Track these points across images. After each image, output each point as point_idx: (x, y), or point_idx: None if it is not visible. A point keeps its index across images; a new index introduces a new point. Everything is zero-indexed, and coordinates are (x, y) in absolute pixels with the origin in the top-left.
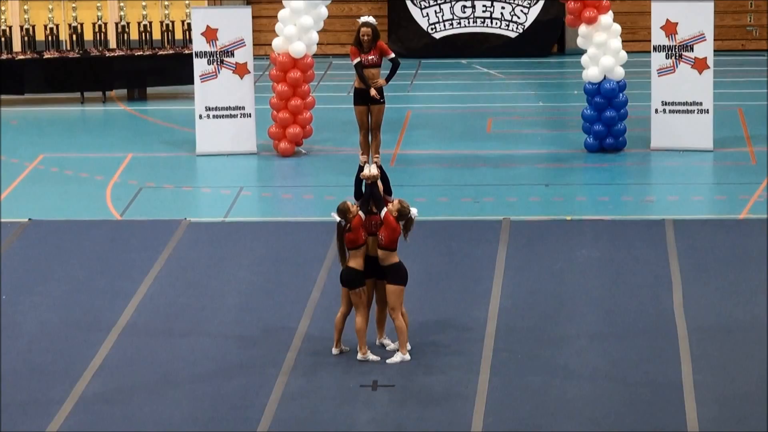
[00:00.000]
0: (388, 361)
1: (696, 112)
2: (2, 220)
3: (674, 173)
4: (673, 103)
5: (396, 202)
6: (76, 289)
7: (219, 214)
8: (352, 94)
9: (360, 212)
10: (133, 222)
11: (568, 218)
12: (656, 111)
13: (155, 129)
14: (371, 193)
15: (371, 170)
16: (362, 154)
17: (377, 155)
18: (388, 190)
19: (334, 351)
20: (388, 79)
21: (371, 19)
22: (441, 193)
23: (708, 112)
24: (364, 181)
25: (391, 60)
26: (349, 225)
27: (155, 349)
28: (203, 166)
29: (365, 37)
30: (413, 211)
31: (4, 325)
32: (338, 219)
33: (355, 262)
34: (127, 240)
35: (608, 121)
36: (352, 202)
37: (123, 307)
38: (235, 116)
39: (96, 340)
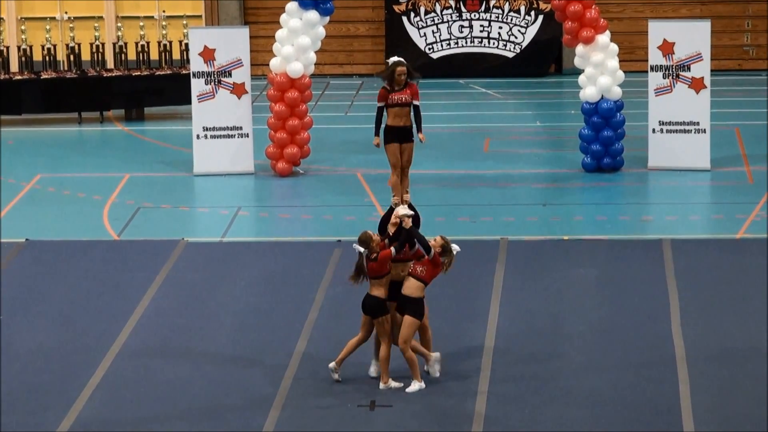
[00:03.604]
0: (407, 390)
1: (693, 131)
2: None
3: (671, 193)
4: (670, 123)
5: (439, 238)
6: (73, 310)
7: (216, 234)
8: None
9: (392, 248)
10: (130, 242)
11: (566, 238)
12: (653, 131)
13: (153, 149)
14: (416, 239)
15: (406, 210)
16: (394, 195)
17: (407, 192)
18: (417, 224)
19: (331, 365)
20: (420, 127)
21: (402, 60)
22: (438, 212)
23: (705, 132)
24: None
25: (415, 107)
26: (375, 255)
27: (152, 370)
28: (201, 186)
29: (402, 77)
30: (455, 247)
31: (1, 346)
32: (361, 249)
33: (378, 291)
34: (124, 260)
35: (606, 141)
36: (374, 231)
37: (120, 328)
38: (232, 136)
39: (93, 361)
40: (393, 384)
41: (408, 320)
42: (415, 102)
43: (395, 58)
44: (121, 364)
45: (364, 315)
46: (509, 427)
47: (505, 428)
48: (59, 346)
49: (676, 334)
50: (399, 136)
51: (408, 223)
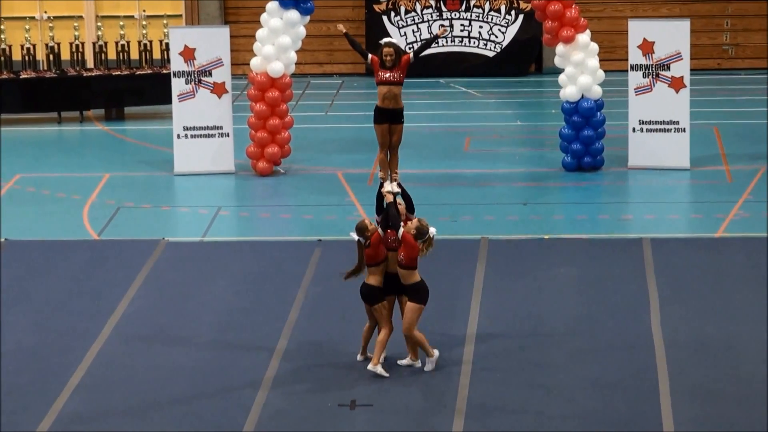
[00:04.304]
0: (425, 368)
1: (673, 130)
2: None
3: (651, 192)
4: (650, 122)
5: (415, 221)
6: (53, 310)
7: (197, 234)
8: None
9: (379, 229)
10: (110, 242)
11: (546, 237)
12: (633, 130)
13: (133, 149)
14: (388, 212)
15: (393, 187)
16: (381, 171)
17: (396, 172)
18: (410, 208)
19: (359, 358)
20: (430, 42)
21: (392, 40)
22: (419, 212)
23: (684, 131)
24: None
25: (418, 50)
26: (368, 242)
27: (133, 369)
28: (181, 186)
29: (388, 57)
30: (432, 230)
31: None
32: (357, 237)
33: (374, 279)
34: (104, 260)
35: (586, 140)
36: (371, 220)
37: (101, 328)
38: (213, 136)
39: (73, 361)
40: (380, 370)
41: (410, 306)
42: (411, 56)
43: (385, 39)
44: (101, 364)
45: (365, 304)
46: (490, 426)
47: (486, 427)
48: (39, 346)
49: (656, 333)
50: (389, 118)
51: (389, 198)
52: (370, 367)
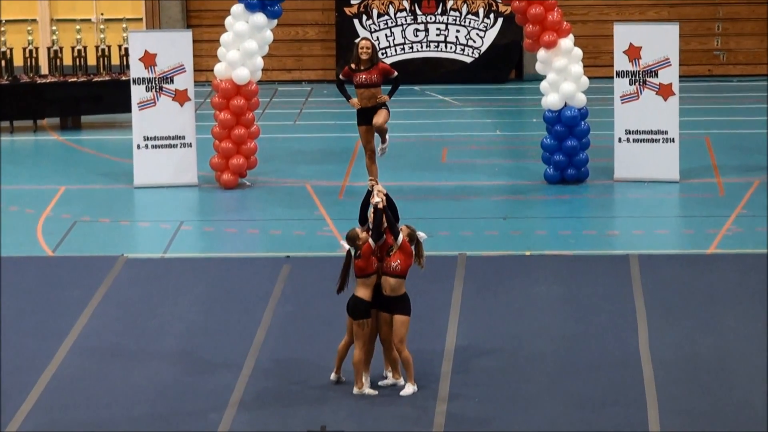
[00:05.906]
0: (401, 393)
1: (661, 141)
2: None
3: (639, 206)
4: (637, 132)
5: (404, 227)
6: (5, 329)
7: (158, 250)
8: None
9: (370, 239)
10: (66, 258)
11: (528, 253)
12: (620, 140)
13: (90, 160)
14: (386, 218)
15: (379, 195)
16: (370, 177)
17: (383, 146)
18: (395, 215)
19: (333, 377)
20: (390, 94)
21: (370, 36)
22: None
23: (674, 141)
24: (370, 206)
25: (394, 78)
26: (359, 252)
27: (90, 392)
28: (141, 199)
29: (363, 50)
30: (421, 234)
31: None
32: (347, 247)
33: (363, 292)
34: (60, 277)
35: (569, 151)
36: (359, 229)
37: (56, 348)
38: (174, 146)
39: (27, 382)
40: (367, 390)
41: (401, 319)
42: (393, 76)
43: (362, 36)
44: (57, 385)
45: (348, 317)
46: None
47: None
48: None
49: (644, 353)
50: (369, 118)
51: (380, 205)
52: (355, 391)
